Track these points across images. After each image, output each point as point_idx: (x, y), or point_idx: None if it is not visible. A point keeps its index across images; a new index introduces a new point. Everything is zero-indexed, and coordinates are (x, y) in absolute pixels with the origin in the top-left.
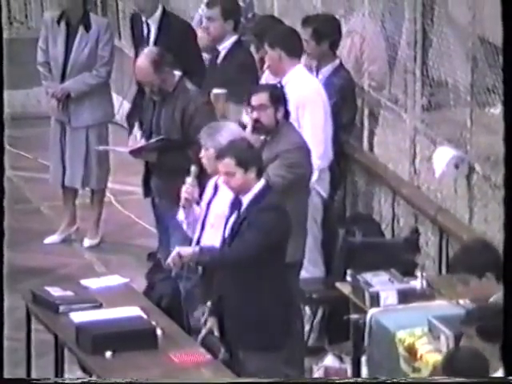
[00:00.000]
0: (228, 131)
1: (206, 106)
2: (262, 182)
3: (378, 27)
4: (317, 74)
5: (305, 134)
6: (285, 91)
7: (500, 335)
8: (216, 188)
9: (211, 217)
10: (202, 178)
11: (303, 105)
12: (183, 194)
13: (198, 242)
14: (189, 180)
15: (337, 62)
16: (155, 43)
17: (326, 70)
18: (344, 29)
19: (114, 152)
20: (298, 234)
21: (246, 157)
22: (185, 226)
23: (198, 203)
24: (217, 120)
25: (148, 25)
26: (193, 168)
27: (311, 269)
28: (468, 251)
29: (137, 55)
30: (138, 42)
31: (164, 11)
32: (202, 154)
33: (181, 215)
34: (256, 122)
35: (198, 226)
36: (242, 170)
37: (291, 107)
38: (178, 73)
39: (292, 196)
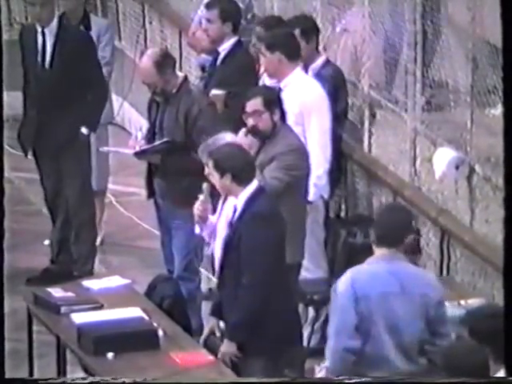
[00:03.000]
0: (223, 142)
1: (209, 108)
2: (254, 185)
3: (374, 25)
4: (306, 70)
5: (312, 139)
6: (280, 93)
7: (491, 338)
8: (225, 199)
9: (219, 227)
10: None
11: (309, 111)
12: (195, 212)
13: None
14: (201, 197)
15: (324, 57)
16: (52, 54)
17: (316, 65)
18: (338, 28)
19: (117, 153)
20: (296, 236)
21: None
22: (206, 238)
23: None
24: (220, 121)
25: (44, 35)
26: (204, 185)
27: (315, 270)
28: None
29: (26, 72)
30: (31, 53)
31: (60, 21)
32: (206, 171)
33: (197, 229)
34: (253, 127)
35: (213, 236)
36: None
37: (294, 111)
38: (181, 74)
39: (289, 198)
